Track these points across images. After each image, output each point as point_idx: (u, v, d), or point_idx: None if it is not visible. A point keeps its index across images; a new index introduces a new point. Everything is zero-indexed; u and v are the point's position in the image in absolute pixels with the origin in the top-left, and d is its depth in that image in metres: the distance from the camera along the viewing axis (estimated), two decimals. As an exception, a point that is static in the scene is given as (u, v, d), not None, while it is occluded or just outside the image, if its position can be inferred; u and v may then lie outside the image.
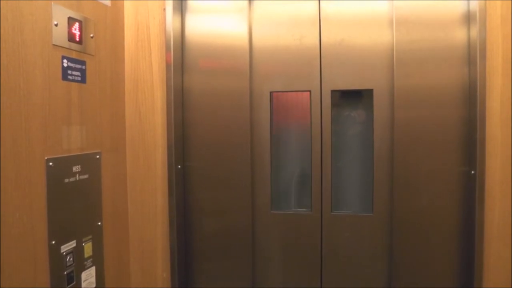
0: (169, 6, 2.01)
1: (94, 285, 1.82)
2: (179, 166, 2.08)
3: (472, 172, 1.83)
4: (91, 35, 1.79)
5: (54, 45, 1.59)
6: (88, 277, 1.78)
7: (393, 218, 1.94)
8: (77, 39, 1.70)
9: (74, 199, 1.71)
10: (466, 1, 1.86)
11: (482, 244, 1.81)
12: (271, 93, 2.05)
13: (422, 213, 1.92)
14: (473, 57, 1.82)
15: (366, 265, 2.01)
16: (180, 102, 2.09)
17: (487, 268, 1.82)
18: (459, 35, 1.86)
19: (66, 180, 1.66)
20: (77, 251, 1.72)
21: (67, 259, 1.67)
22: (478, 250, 1.81)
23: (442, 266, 1.94)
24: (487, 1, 1.77)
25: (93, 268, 1.81)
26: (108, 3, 1.91)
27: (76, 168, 1.71)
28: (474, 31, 1.81)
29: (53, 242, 1.59)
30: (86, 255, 1.77)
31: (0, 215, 1.38)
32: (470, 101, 1.85)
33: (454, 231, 1.92)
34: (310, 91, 2.00)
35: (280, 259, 2.10)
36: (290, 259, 2.09)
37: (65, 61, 1.64)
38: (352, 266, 2.02)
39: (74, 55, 1.69)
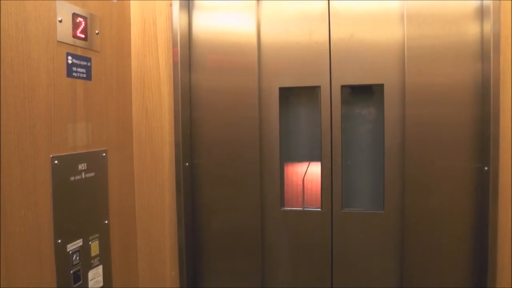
0: (176, 3, 1.98)
1: (101, 284, 1.80)
2: (187, 164, 2.06)
3: (485, 169, 1.79)
4: (97, 32, 1.77)
5: (58, 41, 1.57)
6: (95, 276, 1.77)
7: (405, 215, 1.91)
8: (82, 36, 1.69)
9: (80, 197, 1.69)
10: (479, -5, 1.82)
11: (495, 243, 1.78)
12: (280, 89, 2.02)
13: (434, 211, 1.89)
14: (486, 53, 1.79)
15: (377, 263, 1.99)
16: (187, 98, 2.07)
17: (501, 268, 1.78)
18: (472, 30, 1.83)
19: (72, 178, 1.64)
20: (84, 250, 1.71)
21: (74, 258, 1.65)
22: (492, 249, 1.78)
23: (454, 266, 1.90)
24: (501, -5, 1.74)
25: (100, 267, 1.79)
26: (114, -2, 1.89)
27: (82, 166, 1.69)
28: (488, 26, 1.77)
29: (59, 240, 1.58)
30: (92, 254, 1.75)
31: (6, 212, 1.37)
32: (483, 97, 1.81)
33: (467, 229, 1.88)
34: (319, 86, 1.97)
35: (290, 257, 2.07)
36: (300, 257, 2.06)
37: (69, 57, 1.62)
38: (363, 265, 2.00)
39: (79, 52, 1.68)
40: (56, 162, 1.56)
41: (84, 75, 1.70)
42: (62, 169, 1.59)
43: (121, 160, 1.96)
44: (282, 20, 2.01)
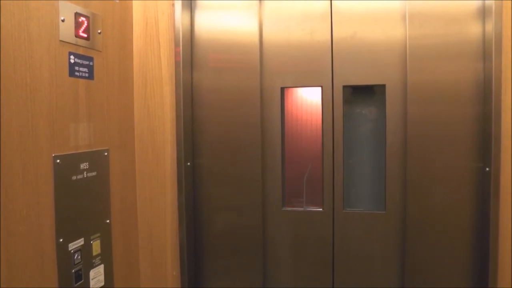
0: (178, 2, 1.98)
1: (103, 283, 1.80)
2: (189, 163, 2.06)
3: (487, 168, 1.79)
4: (99, 31, 1.77)
5: (61, 41, 1.57)
6: (97, 275, 1.77)
7: (406, 215, 1.91)
8: (85, 35, 1.69)
9: (82, 197, 1.69)
10: (481, -5, 1.82)
11: (497, 243, 1.78)
12: (282, 88, 2.02)
13: (435, 211, 1.89)
14: (488, 52, 1.79)
15: (378, 263, 1.99)
16: (189, 98, 2.07)
17: (502, 268, 1.78)
18: (474, 29, 1.83)
19: (74, 178, 1.65)
20: (85, 249, 1.71)
21: (75, 257, 1.65)
22: (493, 249, 1.78)
23: (455, 266, 1.91)
24: (503, -6, 1.74)
25: (102, 266, 1.80)
26: (116, -2, 1.90)
27: (84, 165, 1.69)
28: (489, 26, 1.77)
29: (61, 239, 1.58)
30: (94, 253, 1.76)
31: (8, 212, 1.37)
32: (485, 96, 1.81)
33: (468, 229, 1.88)
34: (321, 86, 1.97)
35: (291, 257, 2.08)
36: (302, 257, 2.06)
37: (72, 57, 1.62)
38: (365, 265, 2.00)
39: (81, 51, 1.68)
40: (58, 161, 1.56)
41: (86, 75, 1.71)
42: (64, 168, 1.59)
43: (122, 159, 1.96)
44: (284, 20, 2.00)
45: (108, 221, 1.84)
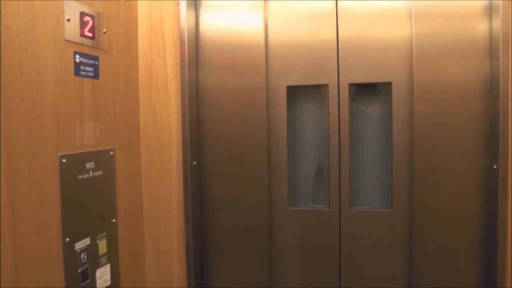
0: (183, 2, 1.98)
1: (109, 283, 1.80)
2: (194, 162, 2.06)
3: (495, 166, 1.78)
4: (104, 30, 1.77)
5: (66, 40, 1.57)
6: (103, 274, 1.77)
7: (413, 214, 1.90)
8: (90, 35, 1.69)
9: (88, 196, 1.69)
10: (488, -8, 1.81)
11: (505, 242, 1.77)
12: (287, 87, 2.02)
13: (443, 209, 1.88)
14: (495, 49, 1.78)
15: (385, 263, 1.98)
16: (195, 97, 2.06)
17: (510, 268, 1.77)
18: (481, 26, 1.82)
19: (80, 177, 1.64)
20: (92, 249, 1.71)
21: (81, 257, 1.65)
22: (501, 248, 1.77)
23: (464, 265, 1.89)
24: (510, -9, 1.72)
25: (108, 265, 1.80)
26: (121, -3, 1.90)
27: (89, 165, 1.69)
28: (496, 23, 1.76)
29: (67, 239, 1.58)
30: (100, 252, 1.76)
31: (15, 212, 1.37)
32: (492, 94, 1.80)
33: (477, 228, 1.87)
34: (327, 84, 1.96)
35: (297, 256, 2.07)
36: (308, 257, 2.06)
37: (77, 56, 1.62)
38: (371, 264, 1.99)
39: (86, 51, 1.68)
40: (64, 160, 1.56)
41: (92, 74, 1.71)
42: (70, 167, 1.59)
43: (128, 159, 1.96)
44: (290, 19, 2.00)
45: (114, 220, 1.84)
